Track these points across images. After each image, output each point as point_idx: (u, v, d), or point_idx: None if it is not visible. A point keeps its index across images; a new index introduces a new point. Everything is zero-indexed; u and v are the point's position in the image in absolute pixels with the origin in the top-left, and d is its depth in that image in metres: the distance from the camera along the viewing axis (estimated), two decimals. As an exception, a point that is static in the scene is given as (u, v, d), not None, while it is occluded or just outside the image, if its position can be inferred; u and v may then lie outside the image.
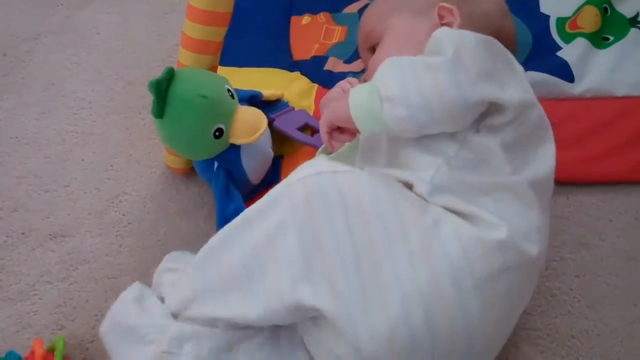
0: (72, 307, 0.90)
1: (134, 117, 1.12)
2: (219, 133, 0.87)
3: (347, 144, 0.84)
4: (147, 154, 1.06)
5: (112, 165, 1.06)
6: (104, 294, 0.91)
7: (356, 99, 0.77)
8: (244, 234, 0.74)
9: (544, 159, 0.78)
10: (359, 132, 0.79)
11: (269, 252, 0.71)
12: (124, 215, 1.00)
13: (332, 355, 0.71)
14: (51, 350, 0.82)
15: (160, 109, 0.84)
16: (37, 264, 0.95)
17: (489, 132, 0.75)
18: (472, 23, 0.88)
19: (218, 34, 0.91)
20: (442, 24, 0.89)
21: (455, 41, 0.73)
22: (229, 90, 0.88)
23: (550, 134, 0.80)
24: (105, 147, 1.08)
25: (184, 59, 0.92)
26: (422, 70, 0.73)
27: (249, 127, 0.88)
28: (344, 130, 0.83)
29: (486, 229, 0.69)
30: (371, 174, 0.73)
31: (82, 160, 1.07)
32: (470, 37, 0.75)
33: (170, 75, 0.83)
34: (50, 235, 0.98)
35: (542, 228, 0.74)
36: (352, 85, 0.92)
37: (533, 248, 0.71)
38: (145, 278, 0.87)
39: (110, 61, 1.21)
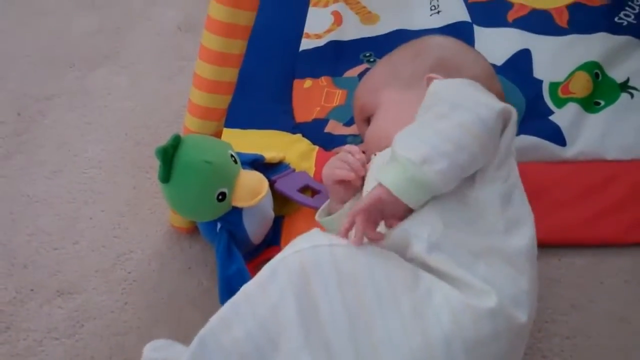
0: (77, 362, 0.93)
1: (141, 176, 1.16)
2: (222, 197, 0.91)
3: (346, 205, 0.89)
4: (153, 212, 1.10)
5: (119, 224, 1.09)
6: (109, 351, 0.94)
7: (391, 180, 0.75)
8: (246, 310, 0.73)
9: (531, 221, 0.81)
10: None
11: (275, 324, 0.71)
12: (129, 272, 1.03)
13: None
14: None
15: (166, 174, 0.88)
16: (45, 321, 0.98)
17: (482, 184, 0.78)
18: None
19: (223, 101, 0.96)
20: None
21: (450, 86, 0.80)
22: (232, 156, 0.93)
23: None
24: (113, 205, 1.12)
25: (190, 124, 0.97)
26: (436, 121, 0.77)
27: (251, 191, 0.92)
28: (384, 216, 0.78)
29: (476, 296, 0.71)
30: (366, 245, 0.75)
31: (91, 218, 1.11)
32: (459, 79, 0.83)
33: (176, 142, 0.88)
34: (58, 292, 1.01)
35: (531, 291, 0.77)
36: (354, 154, 0.95)
37: (522, 314, 0.73)
38: (149, 336, 0.89)
39: (120, 122, 1.27)
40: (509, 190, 0.81)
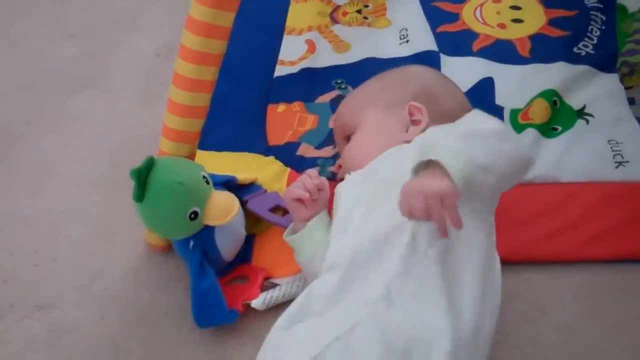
0: (55, 375, 0.97)
1: (118, 197, 1.19)
2: (194, 215, 0.95)
3: (309, 223, 0.96)
4: (130, 231, 1.14)
5: (96, 242, 1.14)
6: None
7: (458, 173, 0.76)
8: None
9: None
10: None
11: None
12: (106, 288, 1.08)
13: None
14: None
15: (140, 194, 0.93)
16: (24, 333, 1.02)
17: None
18: (437, 119, 0.99)
19: (196, 125, 1.02)
20: (412, 120, 1.00)
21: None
22: (204, 177, 0.98)
23: None
24: (91, 224, 1.17)
25: (164, 147, 1.02)
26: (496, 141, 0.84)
27: (222, 210, 0.97)
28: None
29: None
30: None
31: (69, 236, 1.15)
32: None
33: (150, 164, 0.93)
34: (37, 306, 1.05)
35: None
36: (311, 178, 1.00)
37: None
38: (125, 349, 0.95)
39: (99, 144, 1.32)
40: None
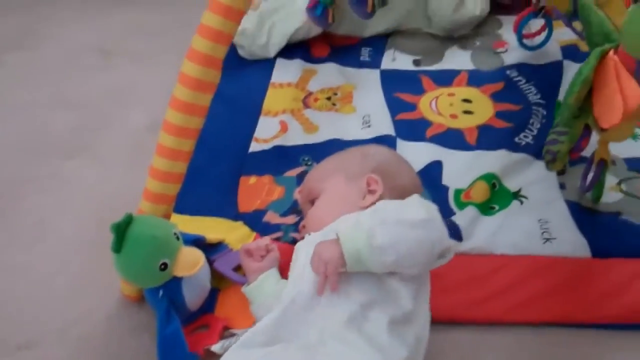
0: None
1: (100, 252, 1.31)
2: (164, 266, 1.09)
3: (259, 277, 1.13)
4: (108, 283, 1.25)
5: (77, 291, 1.27)
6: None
7: (349, 247, 0.96)
8: None
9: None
10: None
11: None
12: (83, 332, 1.19)
13: None
14: None
15: (118, 245, 1.07)
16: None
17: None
18: (391, 192, 1.15)
19: (172, 189, 1.17)
20: (369, 191, 1.15)
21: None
22: (175, 234, 1.12)
23: None
24: (74, 275, 1.30)
25: (143, 207, 1.16)
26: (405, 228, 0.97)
27: (189, 263, 1.11)
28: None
29: None
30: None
31: (53, 285, 1.28)
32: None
33: (129, 220, 1.07)
34: (17, 347, 1.17)
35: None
36: (263, 240, 1.20)
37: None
38: None
39: (88, 205, 1.46)
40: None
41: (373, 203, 1.11)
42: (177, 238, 1.12)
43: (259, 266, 1.16)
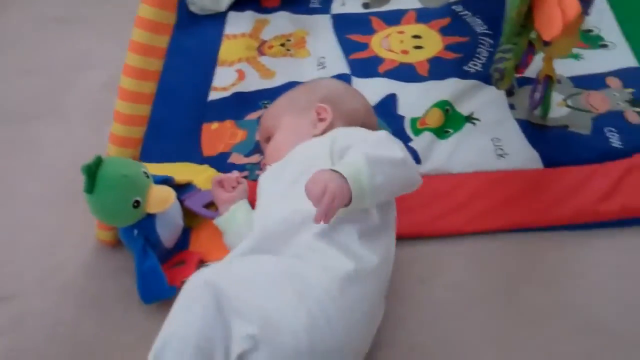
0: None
1: (70, 207, 1.34)
2: (137, 204, 1.13)
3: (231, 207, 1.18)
4: (82, 233, 1.29)
5: (52, 243, 1.30)
6: (46, 339, 1.13)
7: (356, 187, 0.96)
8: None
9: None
10: None
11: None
12: (61, 280, 1.22)
13: None
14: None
15: (90, 186, 1.10)
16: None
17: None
18: (342, 118, 1.20)
19: (137, 132, 1.20)
20: (319, 119, 1.20)
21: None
22: (144, 172, 1.16)
23: None
24: (47, 229, 1.33)
25: (110, 151, 1.19)
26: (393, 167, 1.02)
27: (160, 200, 1.15)
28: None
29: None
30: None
31: (27, 241, 1.32)
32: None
33: (98, 161, 1.10)
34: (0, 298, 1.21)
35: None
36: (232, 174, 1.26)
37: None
38: (81, 328, 1.13)
39: (52, 165, 1.48)
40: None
41: (325, 130, 1.17)
42: (147, 176, 1.16)
43: (230, 196, 1.20)
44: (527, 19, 1.29)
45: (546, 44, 1.28)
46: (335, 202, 0.93)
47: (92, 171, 1.09)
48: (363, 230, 1.02)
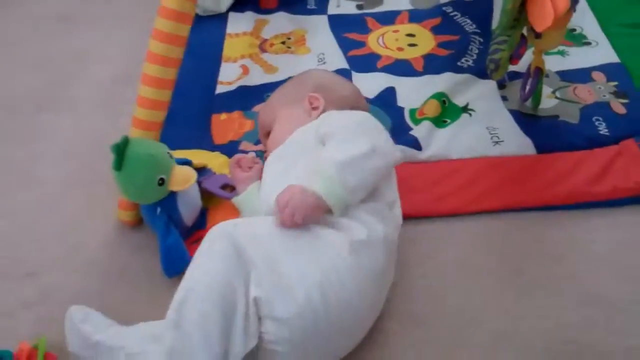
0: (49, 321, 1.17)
1: (90, 189, 1.42)
2: (162, 182, 1.20)
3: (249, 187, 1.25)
4: (104, 213, 1.36)
5: (75, 223, 1.36)
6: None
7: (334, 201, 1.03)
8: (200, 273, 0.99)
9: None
10: None
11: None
12: (86, 257, 1.28)
13: None
14: (35, 348, 1.07)
15: (118, 164, 1.16)
16: (17, 295, 1.22)
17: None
18: (333, 104, 1.28)
19: (159, 116, 1.27)
20: (313, 108, 1.28)
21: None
22: (168, 153, 1.22)
23: None
24: (70, 211, 1.39)
25: (134, 134, 1.26)
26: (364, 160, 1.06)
27: (183, 178, 1.22)
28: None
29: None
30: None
31: (49, 223, 1.37)
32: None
33: (126, 140, 1.17)
34: (27, 274, 1.26)
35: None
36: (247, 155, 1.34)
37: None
38: (110, 296, 1.20)
39: (68, 151, 1.54)
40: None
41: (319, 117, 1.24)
42: (170, 156, 1.23)
43: (247, 175, 1.28)
44: (521, 14, 1.38)
45: (537, 36, 1.38)
46: (296, 216, 1.00)
47: (121, 150, 1.16)
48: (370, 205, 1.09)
